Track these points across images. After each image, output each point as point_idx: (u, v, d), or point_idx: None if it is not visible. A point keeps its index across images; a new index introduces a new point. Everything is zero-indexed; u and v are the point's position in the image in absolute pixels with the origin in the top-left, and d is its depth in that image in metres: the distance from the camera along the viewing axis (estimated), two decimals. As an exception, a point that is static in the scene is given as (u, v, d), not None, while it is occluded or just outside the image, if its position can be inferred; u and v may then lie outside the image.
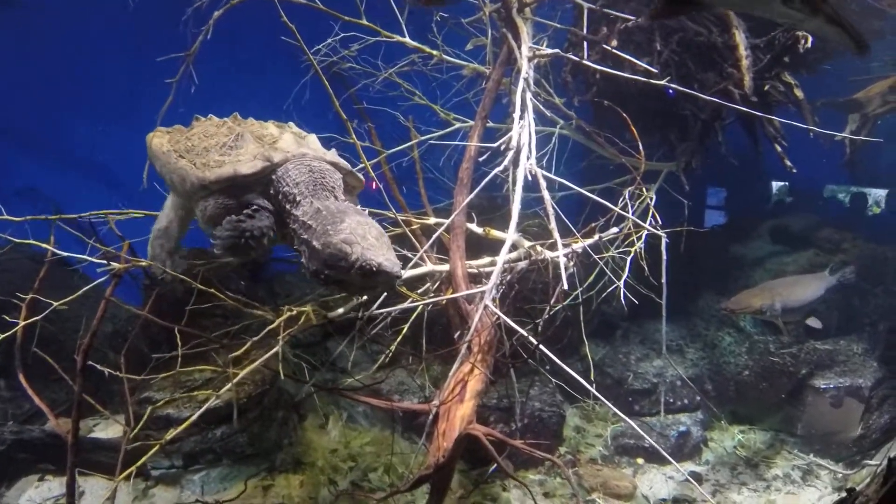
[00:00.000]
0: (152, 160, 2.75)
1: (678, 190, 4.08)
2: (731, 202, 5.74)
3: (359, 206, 2.40)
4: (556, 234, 2.71)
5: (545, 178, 3.14)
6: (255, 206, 2.37)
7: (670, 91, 4.19)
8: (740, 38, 3.95)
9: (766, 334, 4.51)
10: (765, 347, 4.51)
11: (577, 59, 3.53)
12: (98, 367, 3.18)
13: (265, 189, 2.41)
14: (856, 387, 4.36)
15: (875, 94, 5.45)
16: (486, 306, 2.79)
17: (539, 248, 3.16)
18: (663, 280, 3.04)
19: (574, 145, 4.29)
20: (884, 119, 5.49)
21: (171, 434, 3.20)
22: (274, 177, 2.41)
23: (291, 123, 2.77)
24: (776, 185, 6.45)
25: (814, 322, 4.13)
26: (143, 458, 3.06)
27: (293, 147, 2.48)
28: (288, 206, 2.37)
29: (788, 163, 4.11)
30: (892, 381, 4.36)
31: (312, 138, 2.66)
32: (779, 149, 4.12)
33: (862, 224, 6.00)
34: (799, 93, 4.32)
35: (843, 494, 2.35)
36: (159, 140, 2.74)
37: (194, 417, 3.25)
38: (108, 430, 4.07)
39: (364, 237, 2.12)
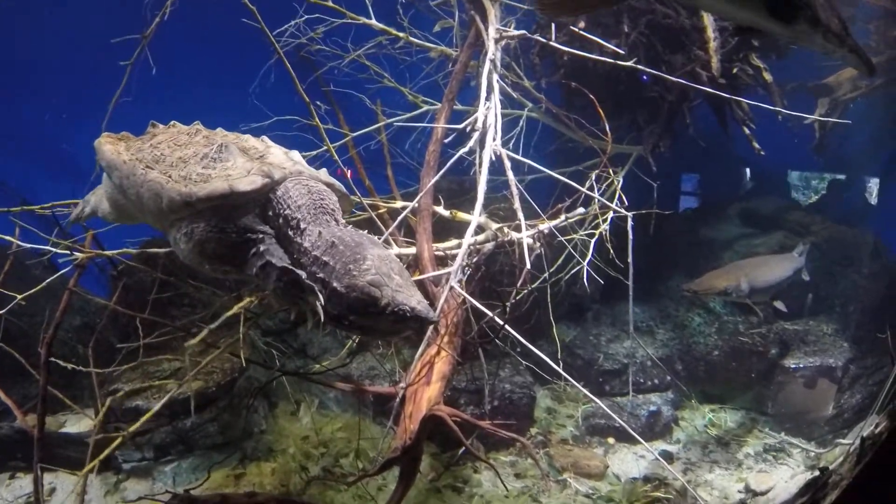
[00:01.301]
0: (108, 171, 2.39)
1: (649, 174, 4.09)
2: (703, 187, 5.78)
3: (365, 232, 2.16)
4: (521, 214, 2.69)
5: (513, 160, 3.14)
6: (260, 234, 2.04)
7: (644, 77, 4.22)
8: (708, 20, 3.96)
9: (736, 315, 4.56)
10: (734, 328, 4.56)
11: (544, 40, 3.51)
12: (61, 362, 3.14)
13: (261, 212, 2.11)
14: (826, 366, 4.39)
15: (845, 78, 5.51)
16: (451, 288, 2.78)
17: (506, 230, 3.16)
18: (629, 261, 3.04)
19: (544, 129, 4.29)
20: (854, 103, 5.55)
21: (134, 427, 3.17)
22: (272, 196, 2.11)
23: (265, 137, 2.49)
24: (750, 171, 6.50)
25: (779, 305, 4.17)
26: (107, 451, 3.02)
27: (288, 163, 2.22)
28: (291, 233, 2.09)
29: (756, 145, 4.14)
30: (863, 360, 4.40)
31: (297, 155, 2.41)
32: (747, 131, 4.15)
33: (833, 207, 6.07)
34: (768, 76, 4.35)
35: (817, 473, 2.38)
36: (113, 147, 2.40)
37: (157, 408, 3.22)
38: (79, 424, 4.02)
39: (390, 276, 1.91)
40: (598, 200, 3.08)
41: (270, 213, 2.12)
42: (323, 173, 2.33)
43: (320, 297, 1.92)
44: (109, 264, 4.03)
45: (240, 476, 3.66)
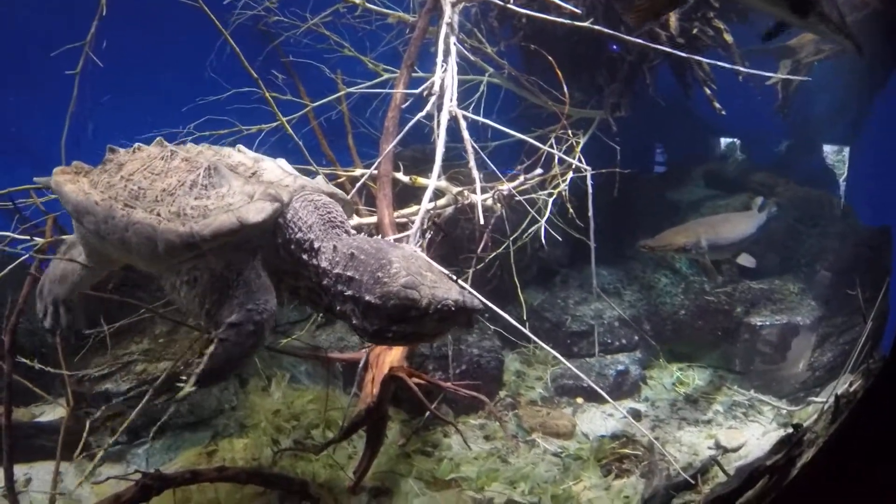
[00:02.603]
0: (78, 216, 2.08)
1: (614, 139, 4.08)
2: (669, 151, 5.78)
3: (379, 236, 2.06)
4: (475, 173, 2.68)
5: (475, 123, 3.13)
6: (246, 275, 1.83)
7: (614, 46, 4.20)
8: (667, -21, 3.93)
9: (702, 275, 4.61)
10: (700, 287, 4.61)
11: (502, 3, 3.48)
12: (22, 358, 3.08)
13: (270, 241, 1.91)
14: (794, 324, 4.45)
15: (808, 41, 5.52)
16: (411, 251, 2.77)
17: (466, 193, 3.16)
18: (590, 215, 3.04)
19: (506, 95, 4.27)
20: (819, 66, 5.57)
21: (124, 423, 3.12)
22: (281, 221, 1.90)
23: (241, 146, 2.30)
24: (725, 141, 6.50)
25: (745, 260, 4.16)
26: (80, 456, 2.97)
27: (289, 179, 2.01)
28: (305, 257, 1.92)
29: (717, 105, 4.15)
30: (832, 319, 4.43)
31: (285, 163, 2.20)
32: (708, 91, 4.16)
33: (794, 170, 6.13)
34: (728, 37, 4.35)
35: (790, 430, 2.41)
36: (76, 186, 2.09)
37: (149, 391, 3.18)
38: (51, 413, 3.97)
39: (422, 274, 1.79)
40: (558, 157, 3.08)
41: (280, 240, 1.92)
42: (321, 181, 2.16)
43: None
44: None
45: (212, 453, 3.64)
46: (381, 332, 1.81)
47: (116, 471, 3.63)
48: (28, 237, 3.02)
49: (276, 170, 2.06)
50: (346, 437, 2.72)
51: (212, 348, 1.82)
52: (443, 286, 1.78)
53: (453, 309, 1.74)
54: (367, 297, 1.78)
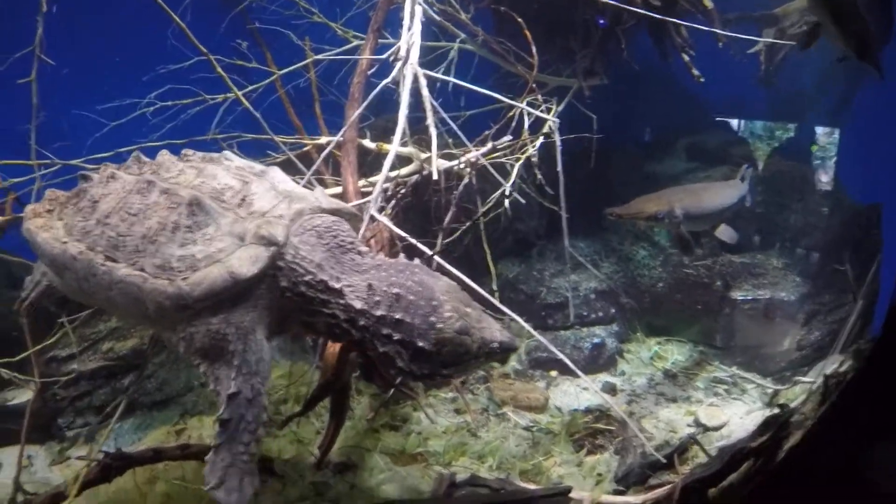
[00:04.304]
0: (56, 271, 1.92)
1: (591, 108, 3.97)
2: (651, 122, 5.65)
3: (405, 259, 1.88)
4: (433, 129, 2.57)
5: (447, 91, 3.03)
6: (244, 332, 1.68)
7: (601, 21, 4.07)
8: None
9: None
10: (679, 260, 4.51)
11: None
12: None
13: (272, 284, 1.74)
14: (777, 300, 4.33)
15: (794, 9, 5.39)
16: (372, 218, 2.67)
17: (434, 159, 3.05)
18: (559, 169, 2.95)
19: (481, 66, 4.15)
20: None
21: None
22: (282, 264, 1.73)
23: (227, 153, 2.05)
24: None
25: (725, 234, 4.00)
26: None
27: (283, 206, 1.79)
28: (323, 297, 1.77)
29: (696, 72, 4.05)
30: (819, 297, 4.30)
31: (278, 173, 1.96)
32: (686, 58, 4.05)
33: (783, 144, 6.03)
34: (708, 2, 4.23)
35: (776, 410, 2.33)
36: (50, 235, 1.90)
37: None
38: (23, 397, 3.89)
39: (468, 314, 1.76)
40: (529, 122, 2.98)
41: (284, 283, 1.74)
42: (321, 196, 1.93)
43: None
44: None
45: (180, 431, 3.60)
46: (430, 375, 1.79)
47: (86, 452, 3.56)
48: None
49: (268, 194, 1.83)
50: (306, 412, 2.64)
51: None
52: (486, 325, 1.79)
53: (498, 351, 1.80)
54: (420, 343, 1.72)
